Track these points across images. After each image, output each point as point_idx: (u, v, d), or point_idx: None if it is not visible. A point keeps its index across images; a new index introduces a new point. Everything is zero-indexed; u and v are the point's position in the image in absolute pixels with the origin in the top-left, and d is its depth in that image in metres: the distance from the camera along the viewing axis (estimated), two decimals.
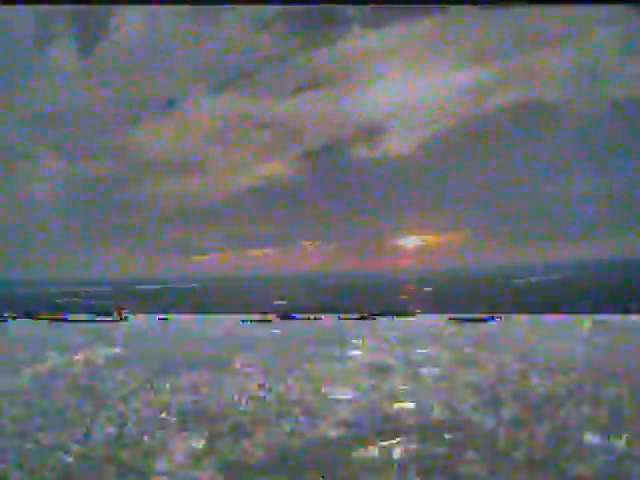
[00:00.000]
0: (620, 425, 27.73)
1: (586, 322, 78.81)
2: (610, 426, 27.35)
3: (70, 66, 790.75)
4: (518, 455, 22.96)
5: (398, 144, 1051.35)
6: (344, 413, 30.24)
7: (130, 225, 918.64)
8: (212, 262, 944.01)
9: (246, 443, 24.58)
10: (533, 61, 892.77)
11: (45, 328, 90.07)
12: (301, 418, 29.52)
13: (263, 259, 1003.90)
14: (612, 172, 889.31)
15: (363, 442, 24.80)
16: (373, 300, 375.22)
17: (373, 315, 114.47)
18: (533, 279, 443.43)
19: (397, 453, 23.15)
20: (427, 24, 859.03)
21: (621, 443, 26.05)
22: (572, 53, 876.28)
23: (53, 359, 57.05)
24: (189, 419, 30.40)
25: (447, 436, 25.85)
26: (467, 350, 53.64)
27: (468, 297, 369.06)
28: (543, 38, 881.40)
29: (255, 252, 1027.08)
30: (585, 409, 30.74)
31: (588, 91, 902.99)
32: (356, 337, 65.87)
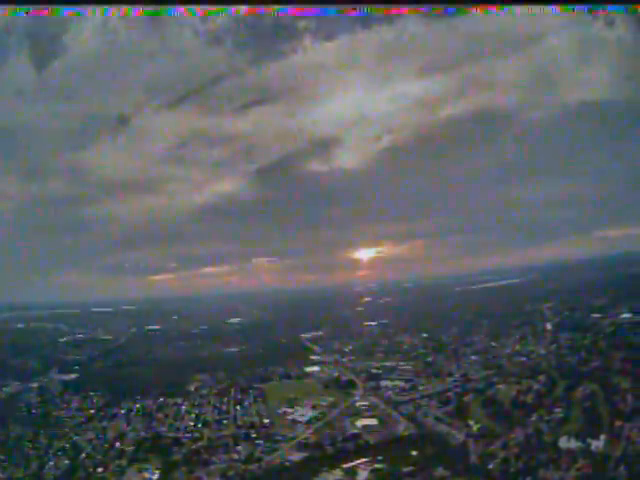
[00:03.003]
0: None
1: None
2: None
3: (22, 83, 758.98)
4: None
5: (352, 157, 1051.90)
6: None
7: (81, 246, 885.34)
8: (167, 281, 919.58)
9: None
10: (484, 70, 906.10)
11: None
12: None
13: (218, 276, 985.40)
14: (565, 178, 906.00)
15: None
16: (328, 314, 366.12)
17: None
18: (482, 285, 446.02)
19: None
20: (378, 36, 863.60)
21: None
22: (523, 61, 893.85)
23: None
24: None
25: None
26: None
27: (422, 306, 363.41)
28: (495, 47, 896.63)
29: (210, 270, 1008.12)
30: None
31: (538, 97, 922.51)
32: None
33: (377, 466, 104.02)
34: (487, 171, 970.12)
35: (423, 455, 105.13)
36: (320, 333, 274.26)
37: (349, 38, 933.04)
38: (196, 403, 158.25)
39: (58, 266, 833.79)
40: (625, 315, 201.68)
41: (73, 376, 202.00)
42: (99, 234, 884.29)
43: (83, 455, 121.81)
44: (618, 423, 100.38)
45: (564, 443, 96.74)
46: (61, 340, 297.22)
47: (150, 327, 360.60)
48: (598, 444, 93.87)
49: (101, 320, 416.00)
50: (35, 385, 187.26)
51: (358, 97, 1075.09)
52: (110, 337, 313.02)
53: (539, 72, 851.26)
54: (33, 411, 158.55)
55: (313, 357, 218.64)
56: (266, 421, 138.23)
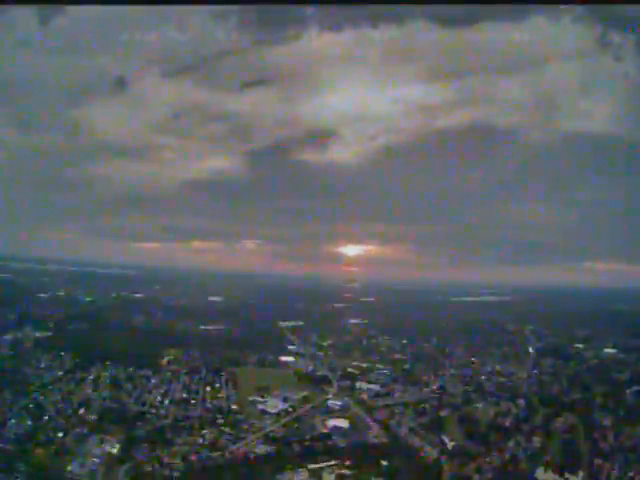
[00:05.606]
0: None
1: None
2: None
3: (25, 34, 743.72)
4: None
5: (346, 151, 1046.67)
6: None
7: (70, 204, 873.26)
8: (154, 250, 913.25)
9: None
10: (487, 85, 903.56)
11: None
12: None
13: (205, 252, 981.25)
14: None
15: None
16: (309, 306, 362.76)
17: None
18: (465, 299, 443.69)
19: None
20: (383, 34, 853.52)
21: None
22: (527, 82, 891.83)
23: None
24: None
25: None
26: None
27: (404, 310, 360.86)
28: (501, 64, 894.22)
29: (197, 244, 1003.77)
30: None
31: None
32: None
33: (344, 471, 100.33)
34: (482, 185, 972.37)
35: (393, 466, 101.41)
36: (300, 323, 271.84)
37: (355, 34, 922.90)
38: (166, 379, 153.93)
39: (45, 222, 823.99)
40: (608, 350, 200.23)
41: (47, 334, 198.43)
42: (89, 194, 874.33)
43: (46, 417, 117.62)
44: (598, 461, 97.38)
45: (541, 475, 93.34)
46: (41, 296, 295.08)
47: (131, 294, 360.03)
48: None
49: (83, 281, 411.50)
50: (8, 337, 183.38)
51: (357, 93, 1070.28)
52: (90, 299, 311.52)
53: (541, 95, 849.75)
54: (3, 365, 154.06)
55: (290, 347, 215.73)
56: (234, 407, 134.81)
